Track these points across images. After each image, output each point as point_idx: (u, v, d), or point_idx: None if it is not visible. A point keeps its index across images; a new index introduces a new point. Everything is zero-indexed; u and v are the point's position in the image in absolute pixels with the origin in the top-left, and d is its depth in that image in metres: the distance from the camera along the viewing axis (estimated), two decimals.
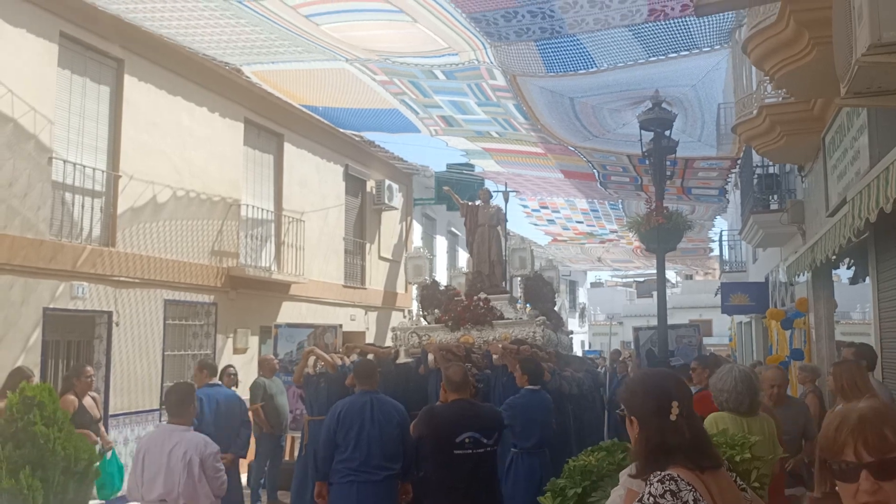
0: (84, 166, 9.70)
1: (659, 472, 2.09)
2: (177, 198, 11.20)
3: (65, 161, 9.42)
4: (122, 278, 10.11)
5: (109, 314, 9.98)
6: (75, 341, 9.81)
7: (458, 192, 14.01)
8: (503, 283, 11.87)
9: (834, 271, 10.21)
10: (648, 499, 2.02)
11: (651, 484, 2.06)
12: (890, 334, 6.13)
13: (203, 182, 11.73)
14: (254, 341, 12.80)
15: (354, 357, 8.51)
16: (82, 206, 9.75)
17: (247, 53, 10.05)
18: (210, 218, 11.91)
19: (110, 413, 9.79)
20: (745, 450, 3.71)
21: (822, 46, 5.35)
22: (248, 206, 12.72)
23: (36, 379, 7.46)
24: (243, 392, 9.96)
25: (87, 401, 7.56)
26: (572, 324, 32.96)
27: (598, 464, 4.62)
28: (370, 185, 17.15)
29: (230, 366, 8.86)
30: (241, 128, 12.70)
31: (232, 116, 12.46)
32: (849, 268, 8.74)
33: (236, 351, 12.31)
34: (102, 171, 10.03)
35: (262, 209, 13.18)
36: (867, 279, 7.61)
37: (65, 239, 9.41)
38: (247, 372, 11.88)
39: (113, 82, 10.30)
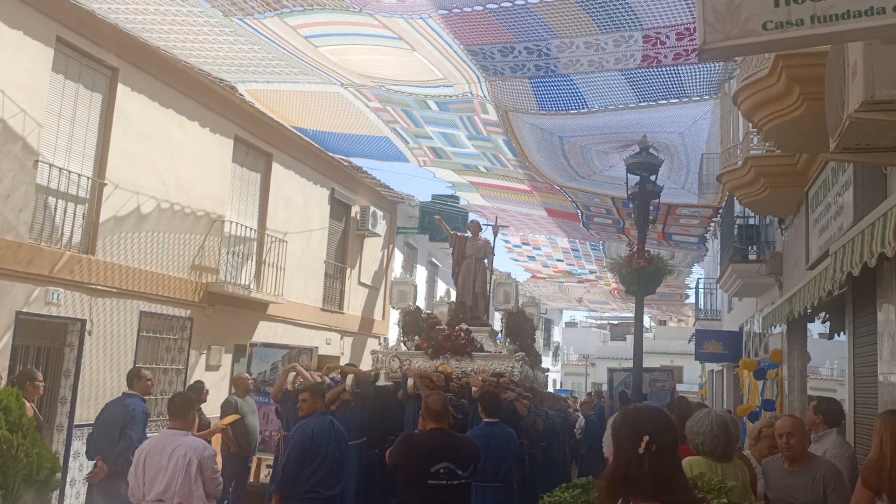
0: (70, 172, 9.62)
1: None
2: (161, 210, 11.13)
3: (51, 165, 9.34)
4: (98, 287, 9.98)
5: (83, 322, 9.83)
6: (45, 347, 9.63)
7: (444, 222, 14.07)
8: (485, 315, 11.88)
9: (808, 325, 10.35)
10: None
11: None
12: (864, 389, 6.21)
13: (188, 196, 11.67)
14: (227, 359, 12.65)
15: (334, 376, 8.46)
16: (65, 212, 9.65)
17: (242, 71, 10.09)
18: (193, 232, 11.83)
19: (76, 423, 9.59)
20: (721, 495, 3.73)
21: (812, 102, 5.49)
22: (231, 222, 12.67)
23: (3, 382, 7.30)
24: (213, 410, 9.86)
25: (31, 406, 7.43)
26: (546, 362, 32.97)
27: (572, 500, 4.63)
28: (355, 210, 17.17)
29: (140, 368, 8.24)
30: (230, 144, 12.70)
31: (222, 132, 12.46)
32: (824, 322, 8.86)
33: (209, 367, 12.15)
34: (88, 178, 9.95)
35: (246, 227, 13.13)
36: (842, 334, 7.72)
37: (44, 243, 9.29)
38: (218, 389, 11.72)
39: (106, 90, 10.28)
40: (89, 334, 9.92)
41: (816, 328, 10.72)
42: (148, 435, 6.79)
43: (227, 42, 8.95)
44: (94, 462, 6.79)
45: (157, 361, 11.34)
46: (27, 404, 7.10)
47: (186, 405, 5.31)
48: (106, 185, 10.12)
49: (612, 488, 2.22)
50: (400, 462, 5.01)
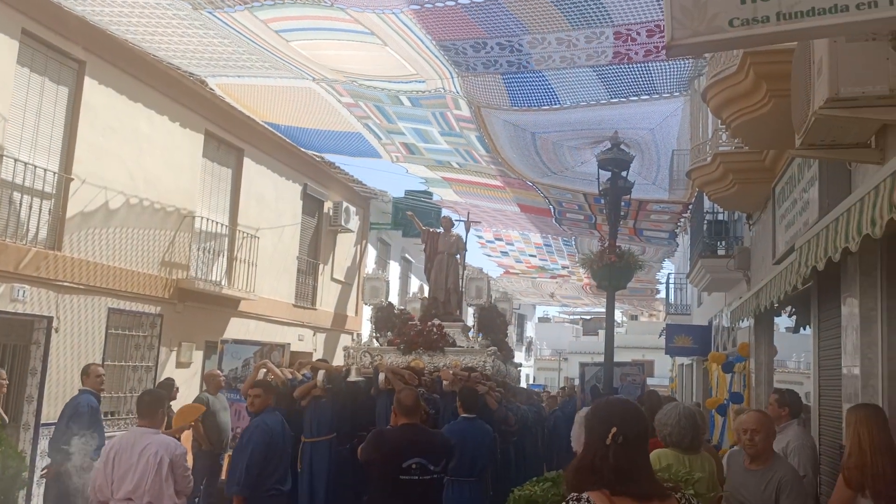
0: (35, 167, 9.45)
1: (576, 494, 2.19)
2: (129, 205, 10.97)
3: (16, 160, 9.16)
4: (65, 283, 9.82)
5: (49, 319, 9.67)
6: (11, 345, 9.46)
7: (417, 218, 14.05)
8: (458, 311, 11.90)
9: (775, 319, 10.51)
10: None
11: (566, 500, 2.19)
12: (828, 382, 6.33)
13: (158, 191, 11.52)
14: (198, 356, 12.52)
15: (305, 372, 8.42)
16: (30, 207, 9.47)
17: (213, 65, 9.98)
18: (162, 228, 11.69)
19: (42, 422, 9.43)
20: (688, 486, 3.79)
21: (779, 99, 5.57)
22: (202, 218, 12.53)
23: None
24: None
25: None
26: (519, 357, 33.14)
27: (542, 494, 4.66)
28: (328, 206, 17.09)
29: (91, 364, 8.07)
30: (200, 139, 12.55)
31: (192, 127, 12.31)
32: (790, 316, 9.01)
33: (179, 365, 12.03)
34: (54, 173, 9.78)
35: (217, 223, 12.99)
36: (808, 328, 7.86)
37: (9, 239, 9.11)
38: (189, 387, 11.62)
39: (72, 84, 10.10)
40: (56, 332, 9.76)
41: (783, 322, 10.91)
42: (114, 433, 6.74)
43: (196, 35, 8.84)
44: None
45: (126, 359, 11.19)
46: None
47: (156, 403, 5.22)
48: (73, 180, 9.96)
49: (578, 478, 2.26)
50: (372, 458, 5.00)
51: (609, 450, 2.24)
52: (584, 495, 2.18)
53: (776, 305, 6.92)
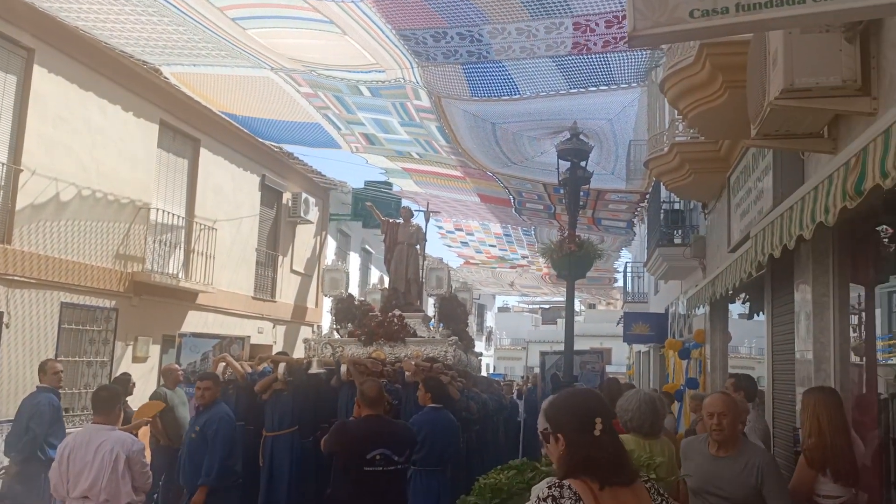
0: None
1: (552, 479, 2.23)
2: (82, 197, 10.70)
3: None
4: (16, 277, 9.54)
5: (0, 314, 9.39)
6: None
7: (377, 209, 13.99)
8: (418, 301, 11.91)
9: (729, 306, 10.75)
10: (535, 501, 2.16)
11: (541, 488, 2.20)
12: (782, 367, 6.50)
13: (111, 182, 11.25)
14: (155, 350, 12.30)
15: (264, 366, 8.34)
16: None
17: (167, 54, 9.77)
18: (117, 220, 11.42)
19: None
20: (650, 471, 3.85)
21: (735, 90, 5.67)
22: (158, 210, 12.28)
23: None
24: (141, 403, 9.56)
25: None
26: (479, 346, 33.31)
27: (508, 482, 4.69)
28: (286, 197, 16.90)
29: (49, 360, 7.95)
30: (155, 129, 12.29)
31: (147, 117, 12.04)
32: (744, 303, 9.22)
33: (136, 359, 11.80)
34: (2, 165, 9.47)
35: (173, 214, 12.75)
36: (761, 314, 8.05)
37: None
38: (146, 382, 11.42)
39: (21, 72, 9.79)
40: (7, 327, 9.49)
41: (736, 309, 11.16)
42: (69, 430, 6.60)
43: (150, 23, 8.64)
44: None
45: (81, 354, 10.93)
46: None
47: (112, 399, 5.12)
48: (22, 171, 9.66)
49: (572, 474, 2.25)
50: (335, 449, 4.99)
51: (602, 441, 2.27)
52: (565, 482, 2.20)
53: (731, 293, 7.08)
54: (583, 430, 2.29)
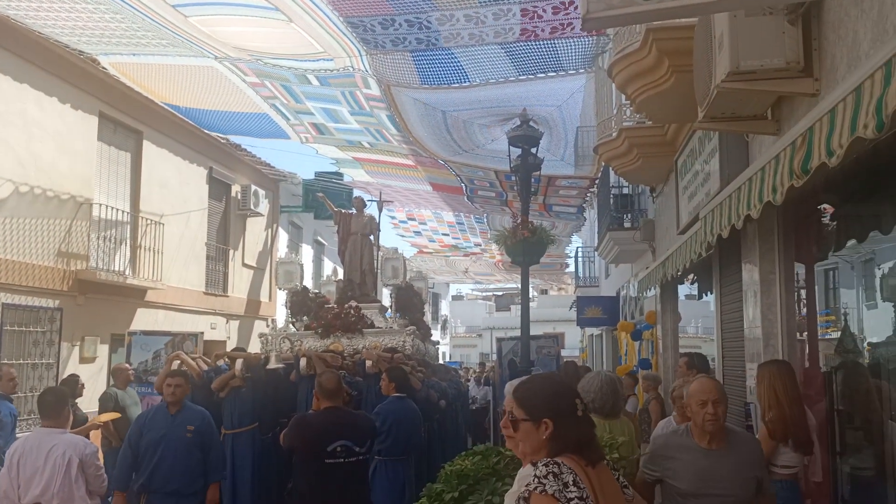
0: None
1: (545, 458, 2.25)
2: (19, 193, 10.31)
3: None
4: None
5: None
6: None
7: (329, 200, 13.85)
8: (374, 292, 11.84)
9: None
10: (534, 480, 2.17)
11: (537, 467, 2.21)
12: (731, 344, 6.67)
13: (51, 178, 10.87)
14: (103, 350, 11.98)
15: (221, 363, 8.20)
16: None
17: (105, 43, 9.47)
18: (57, 217, 11.05)
19: None
20: (612, 450, 3.92)
21: (681, 74, 5.76)
22: (101, 205, 11.91)
23: None
24: (91, 404, 9.32)
25: None
26: (435, 335, 33.36)
27: (473, 468, 4.71)
28: (235, 189, 16.59)
29: (1, 365, 7.69)
30: (95, 122, 11.89)
31: (85, 109, 11.65)
32: (692, 284, 9.43)
33: (83, 360, 11.46)
34: None
35: (118, 210, 12.39)
36: (709, 294, 8.25)
37: None
38: (96, 382, 11.12)
39: None
40: None
41: (683, 290, 11.42)
42: (17, 436, 6.35)
43: (85, 11, 8.36)
44: None
45: (25, 356, 10.56)
46: None
47: (59, 401, 4.98)
48: None
49: (562, 454, 2.27)
50: (295, 444, 4.94)
51: (582, 421, 2.33)
52: (558, 460, 2.23)
53: (680, 274, 7.23)
54: (570, 412, 2.32)
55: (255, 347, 12.18)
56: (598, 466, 2.32)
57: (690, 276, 8.91)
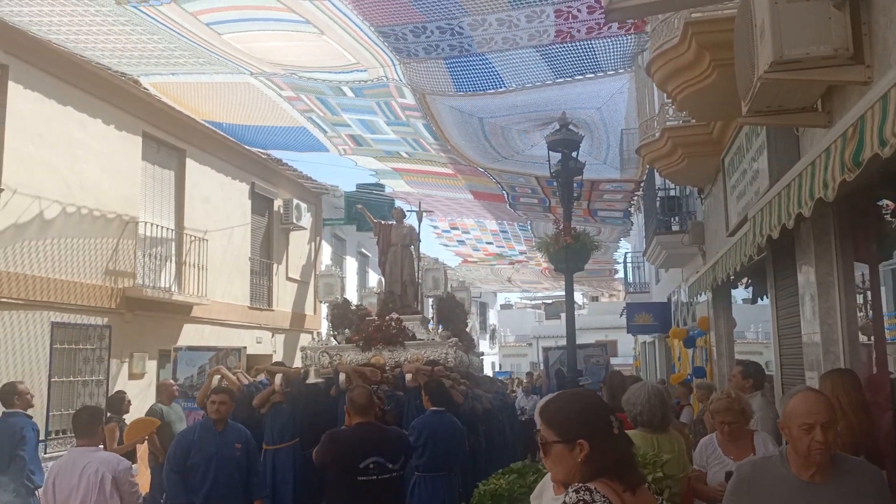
0: None
1: (577, 484, 2.06)
2: (66, 214, 10.50)
3: None
4: (2, 299, 9.35)
5: None
6: None
7: (370, 212, 13.79)
8: (416, 303, 11.69)
9: (732, 292, 10.56)
10: None
11: (567, 494, 2.04)
12: (788, 351, 6.31)
13: (96, 198, 11.06)
14: (152, 366, 12.11)
15: (262, 377, 8.14)
16: None
17: (144, 63, 9.59)
18: (104, 236, 11.23)
19: None
20: (657, 468, 3.67)
21: (723, 69, 5.48)
22: (146, 223, 12.09)
23: None
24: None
25: None
26: (483, 345, 33.10)
27: (508, 487, 4.51)
28: (278, 203, 16.70)
29: (16, 383, 7.39)
30: (139, 142, 12.09)
31: (129, 130, 11.84)
32: (746, 287, 9.04)
33: (132, 376, 11.61)
34: None
35: (162, 227, 12.55)
36: (765, 298, 7.87)
37: None
38: (144, 398, 11.22)
39: None
40: None
41: (740, 294, 10.99)
42: (61, 452, 6.36)
43: (123, 33, 8.45)
44: None
45: (75, 374, 10.74)
46: None
47: (93, 420, 4.99)
48: (3, 191, 9.47)
49: (596, 478, 2.09)
50: (327, 460, 4.81)
51: (618, 440, 2.14)
52: (591, 486, 2.04)
53: (732, 277, 6.89)
54: (607, 433, 2.13)
55: (299, 361, 12.17)
56: (637, 491, 2.11)
57: (745, 280, 8.54)
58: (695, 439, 7.25)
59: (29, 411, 7.19)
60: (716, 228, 8.81)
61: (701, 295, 9.90)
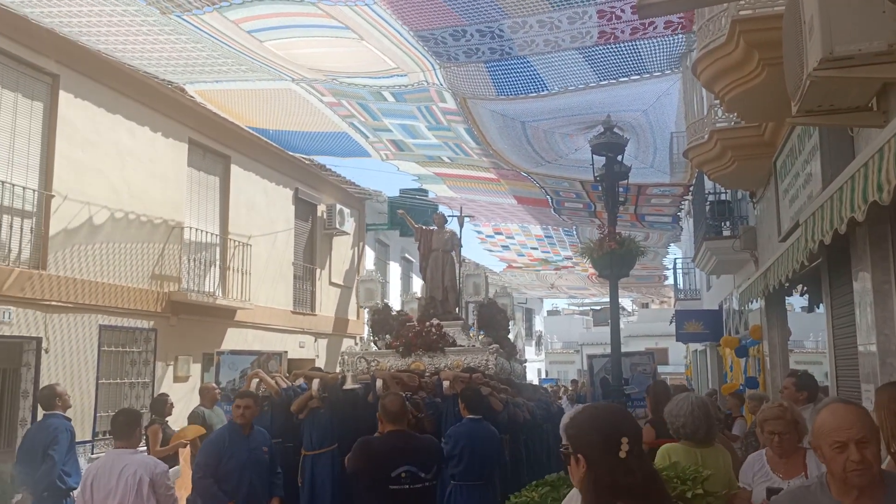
0: (14, 185, 9.20)
1: None
2: (114, 219, 10.71)
3: None
4: (53, 303, 9.56)
5: (38, 340, 9.42)
6: (0, 369, 9.21)
7: (413, 217, 13.73)
8: (456, 309, 11.57)
9: (787, 299, 10.18)
10: None
11: None
12: (845, 361, 6.01)
13: (143, 203, 11.26)
14: (196, 369, 12.26)
15: (300, 382, 8.13)
16: (10, 227, 9.21)
17: (189, 72, 9.72)
18: (150, 241, 11.42)
19: None
20: (696, 485, 3.48)
21: (773, 68, 5.26)
22: (191, 228, 12.26)
23: None
24: (181, 424, 9.47)
25: None
26: (529, 352, 32.79)
27: (541, 500, 4.35)
28: (321, 209, 16.79)
29: (55, 385, 7.56)
30: (185, 148, 12.28)
31: (175, 136, 12.04)
32: (802, 295, 8.68)
33: (177, 379, 11.77)
34: (34, 191, 9.52)
35: (207, 232, 12.72)
36: (821, 306, 7.54)
37: None
38: (188, 401, 11.33)
39: (47, 98, 9.84)
40: (46, 352, 9.51)
41: (798, 302, 10.59)
42: (95, 455, 6.43)
43: (168, 42, 8.58)
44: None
45: (122, 376, 10.94)
46: None
47: (131, 422, 5.01)
48: (54, 196, 9.70)
49: (600, 499, 2.00)
50: (359, 468, 4.71)
51: (630, 463, 1.99)
52: None
53: (786, 284, 6.61)
54: (606, 451, 2.00)
55: (339, 367, 12.18)
56: None
57: (800, 287, 8.20)
58: (745, 453, 6.95)
59: (77, 413, 7.31)
60: (768, 233, 8.49)
61: (753, 302, 9.56)
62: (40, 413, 9.27)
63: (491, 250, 20.21)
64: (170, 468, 8.54)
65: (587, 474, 2.02)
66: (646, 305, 48.22)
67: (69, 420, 6.68)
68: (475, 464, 6.41)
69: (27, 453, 6.41)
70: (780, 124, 6.82)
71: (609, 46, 7.96)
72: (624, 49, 8.08)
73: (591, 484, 2.00)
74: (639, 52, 8.22)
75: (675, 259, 21.81)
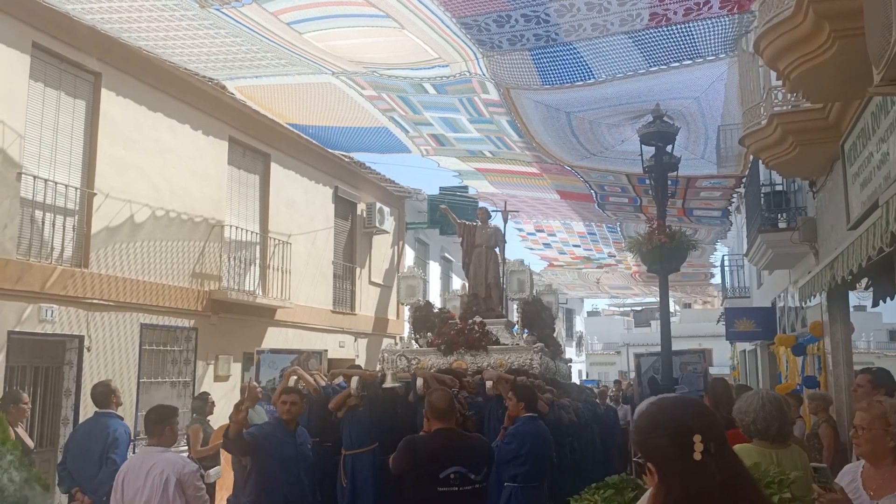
0: (56, 183, 9.20)
1: None
2: (156, 217, 10.68)
3: (35, 177, 8.92)
4: (94, 301, 9.54)
5: (80, 338, 9.41)
6: (43, 367, 9.22)
7: (454, 215, 13.48)
8: (500, 306, 11.26)
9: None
10: None
11: None
12: None
13: (184, 202, 11.21)
14: (236, 368, 12.19)
15: (339, 380, 7.93)
16: (53, 225, 9.22)
17: (228, 67, 9.60)
18: (191, 239, 11.37)
19: None
20: (783, 489, 3.13)
21: (844, 41, 4.88)
22: (231, 227, 12.20)
23: None
24: (221, 422, 9.36)
25: (20, 430, 6.91)
26: (569, 353, 32.31)
27: (605, 503, 4.04)
28: (361, 207, 16.66)
29: (109, 382, 7.52)
30: (225, 146, 12.23)
31: (216, 134, 11.99)
32: (866, 289, 8.20)
33: (217, 378, 11.70)
34: (76, 189, 9.52)
35: (247, 231, 12.65)
36: (889, 300, 7.09)
37: (33, 259, 8.87)
38: (229, 400, 11.25)
39: (89, 96, 9.84)
40: (88, 350, 9.50)
41: (851, 300, 10.08)
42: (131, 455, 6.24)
43: (208, 36, 8.47)
44: (71, 493, 6.07)
45: (163, 375, 10.90)
46: (11, 429, 6.64)
47: (163, 420, 4.88)
48: (96, 194, 9.69)
49: None
50: (405, 469, 4.47)
51: (706, 465, 1.65)
52: None
53: (851, 277, 6.19)
54: (678, 455, 1.68)
55: (378, 365, 11.99)
56: None
57: (863, 282, 7.73)
58: (811, 456, 6.55)
59: (119, 411, 7.18)
60: (832, 223, 8.04)
61: (814, 297, 9.09)
62: (83, 411, 9.28)
63: (532, 248, 19.85)
64: (211, 468, 8.45)
65: (658, 487, 1.71)
66: (688, 306, 47.34)
67: (122, 419, 6.51)
68: (540, 465, 6.12)
69: (81, 454, 6.12)
70: (847, 104, 6.41)
71: (661, 29, 7.59)
72: (676, 32, 7.70)
73: (664, 498, 1.69)
74: (692, 34, 7.83)
75: (723, 256, 21.14)
